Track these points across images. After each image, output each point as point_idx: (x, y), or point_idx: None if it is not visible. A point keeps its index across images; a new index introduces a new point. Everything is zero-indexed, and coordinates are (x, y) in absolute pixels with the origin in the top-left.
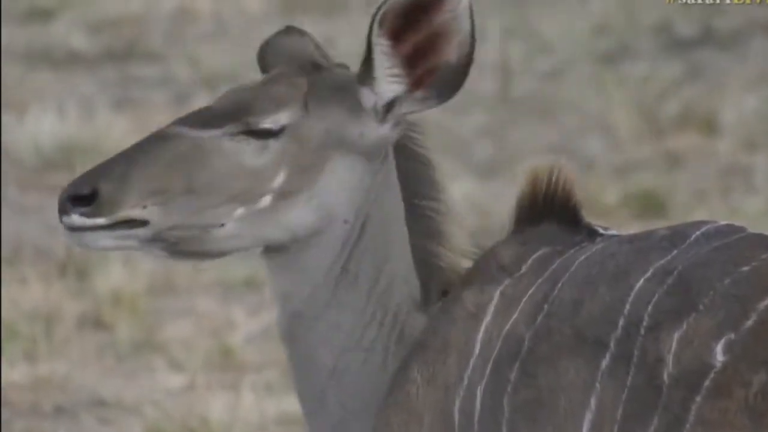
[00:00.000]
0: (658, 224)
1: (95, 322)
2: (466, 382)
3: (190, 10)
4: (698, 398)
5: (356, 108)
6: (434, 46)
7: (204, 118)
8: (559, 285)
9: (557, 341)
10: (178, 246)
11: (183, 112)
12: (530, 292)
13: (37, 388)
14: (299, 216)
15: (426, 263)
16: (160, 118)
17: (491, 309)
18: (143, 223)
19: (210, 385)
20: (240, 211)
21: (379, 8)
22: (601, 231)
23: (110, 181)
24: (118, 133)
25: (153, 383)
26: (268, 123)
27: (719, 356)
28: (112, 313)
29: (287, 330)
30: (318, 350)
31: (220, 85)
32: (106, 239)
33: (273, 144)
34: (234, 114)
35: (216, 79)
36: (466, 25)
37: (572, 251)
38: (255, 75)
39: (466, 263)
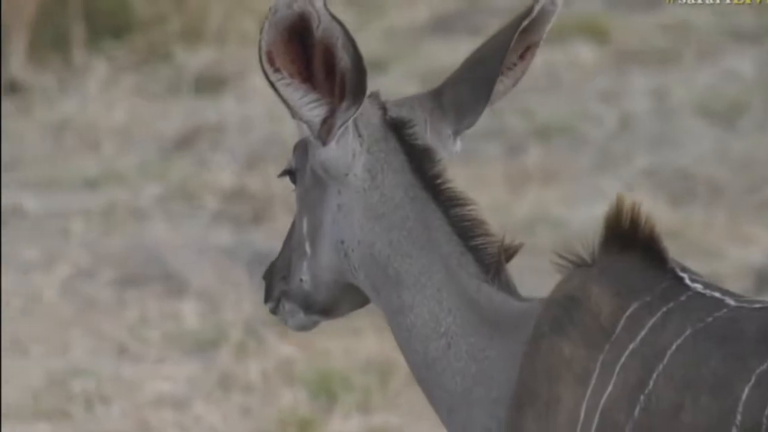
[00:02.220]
0: None
1: None
2: None
3: None
4: None
5: (306, 141)
6: (332, 57)
7: None
8: (654, 378)
9: None
10: (312, 307)
11: (515, 164)
12: (621, 362)
13: None
14: (325, 253)
15: (468, 236)
16: (493, 170)
17: (594, 378)
18: (286, 294)
19: None
20: (304, 264)
21: (259, 49)
22: (687, 280)
23: (268, 268)
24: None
25: None
26: (284, 167)
27: None
28: None
29: None
30: (408, 353)
31: (553, 137)
32: (290, 320)
33: (295, 192)
34: None
35: (548, 131)
36: (337, 31)
37: (660, 313)
38: (588, 127)
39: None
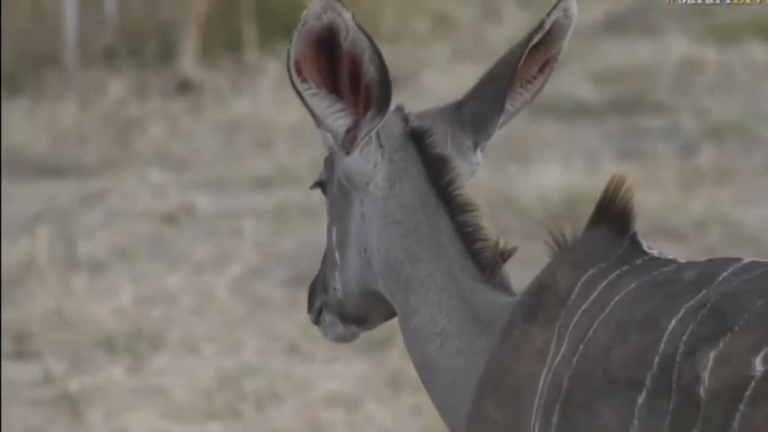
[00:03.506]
0: None
1: None
2: (532, 420)
3: (697, 61)
4: (741, 407)
5: (331, 151)
6: (358, 69)
7: None
8: (594, 326)
9: (590, 385)
10: (346, 317)
11: (689, 164)
12: (573, 322)
13: None
14: (352, 261)
15: (470, 241)
16: (666, 170)
17: (552, 347)
18: (326, 305)
19: None
20: (336, 273)
21: (288, 59)
22: (644, 246)
23: (312, 282)
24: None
25: None
26: (315, 180)
27: (759, 367)
28: None
29: None
30: (412, 355)
31: (727, 137)
32: (330, 332)
33: (326, 203)
34: None
35: (722, 131)
36: (364, 43)
37: (613, 275)
38: (762, 127)
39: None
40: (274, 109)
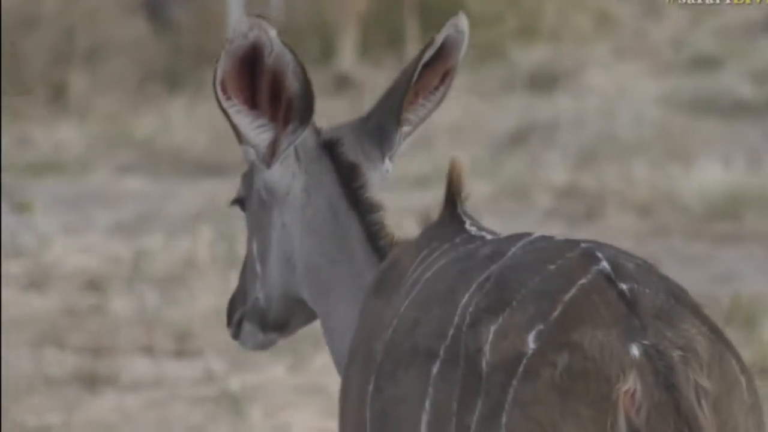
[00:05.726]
0: None
1: (761, 371)
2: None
3: None
4: (515, 382)
5: (252, 167)
6: (280, 83)
7: None
8: (407, 302)
9: (397, 356)
10: (267, 325)
11: None
12: (398, 299)
13: None
14: (274, 270)
15: (376, 239)
16: None
17: (388, 321)
18: (246, 316)
19: None
20: (257, 284)
21: (214, 77)
22: (466, 225)
23: (230, 298)
24: None
25: None
26: (234, 196)
27: (531, 345)
28: None
29: None
30: (333, 354)
31: None
32: (249, 342)
33: (245, 218)
34: None
35: None
36: (288, 58)
37: (436, 254)
38: None
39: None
40: None
